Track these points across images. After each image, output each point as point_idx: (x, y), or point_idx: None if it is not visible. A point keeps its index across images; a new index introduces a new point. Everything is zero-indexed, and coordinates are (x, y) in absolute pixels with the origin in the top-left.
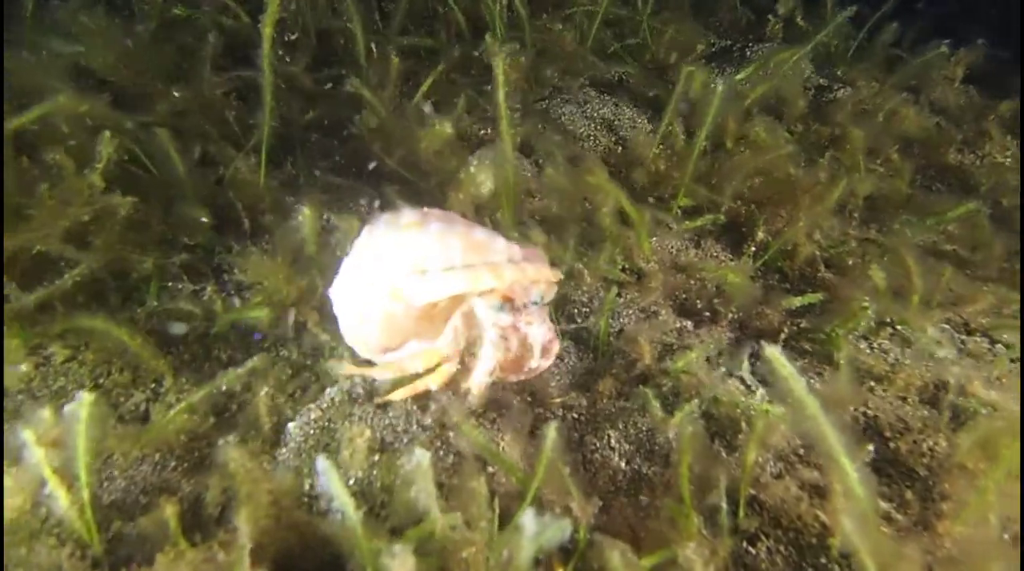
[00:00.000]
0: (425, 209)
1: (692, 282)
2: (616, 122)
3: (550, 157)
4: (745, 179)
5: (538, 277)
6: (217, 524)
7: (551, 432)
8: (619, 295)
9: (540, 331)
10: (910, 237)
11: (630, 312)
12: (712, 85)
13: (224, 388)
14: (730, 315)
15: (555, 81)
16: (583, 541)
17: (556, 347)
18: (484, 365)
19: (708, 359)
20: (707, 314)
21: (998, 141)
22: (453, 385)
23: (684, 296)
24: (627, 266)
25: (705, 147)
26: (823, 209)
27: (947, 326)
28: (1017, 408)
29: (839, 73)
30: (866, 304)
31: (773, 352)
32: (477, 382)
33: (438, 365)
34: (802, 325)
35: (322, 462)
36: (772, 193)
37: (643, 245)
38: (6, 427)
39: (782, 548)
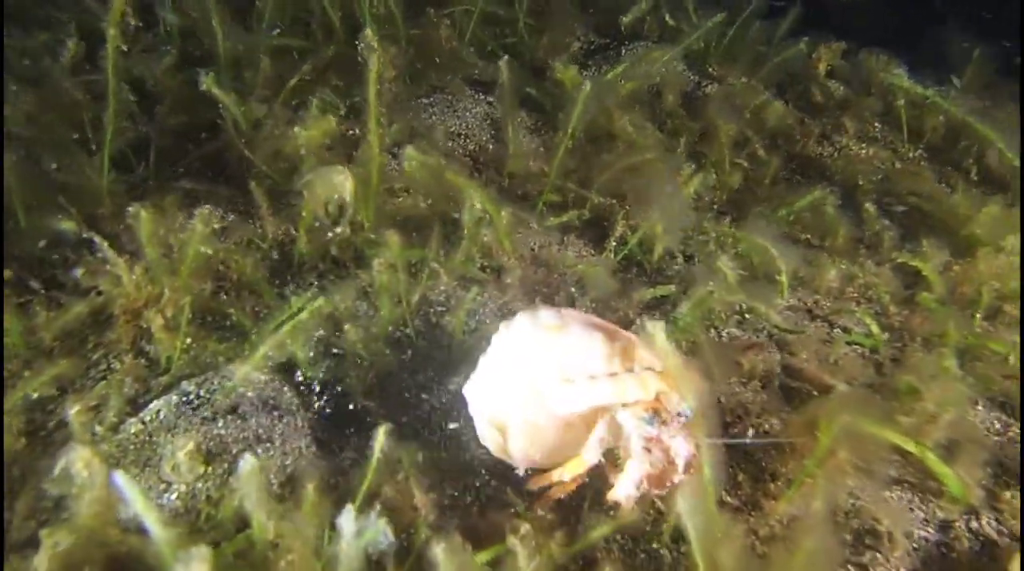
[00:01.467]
0: (563, 310)
1: (553, 277)
2: (490, 120)
3: (413, 155)
4: (610, 175)
5: (681, 388)
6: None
7: (380, 434)
8: (478, 294)
9: (684, 444)
10: (763, 227)
11: (487, 310)
12: (581, 83)
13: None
14: (584, 309)
15: (433, 80)
16: (420, 540)
17: (697, 461)
18: (632, 477)
19: None
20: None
21: (854, 133)
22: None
23: (544, 291)
24: (486, 264)
25: (574, 144)
26: (679, 203)
27: (791, 313)
28: (846, 389)
29: (710, 70)
30: (712, 291)
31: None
32: (624, 495)
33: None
34: (655, 317)
35: (118, 477)
36: (634, 188)
37: (503, 242)
38: None
39: (618, 536)
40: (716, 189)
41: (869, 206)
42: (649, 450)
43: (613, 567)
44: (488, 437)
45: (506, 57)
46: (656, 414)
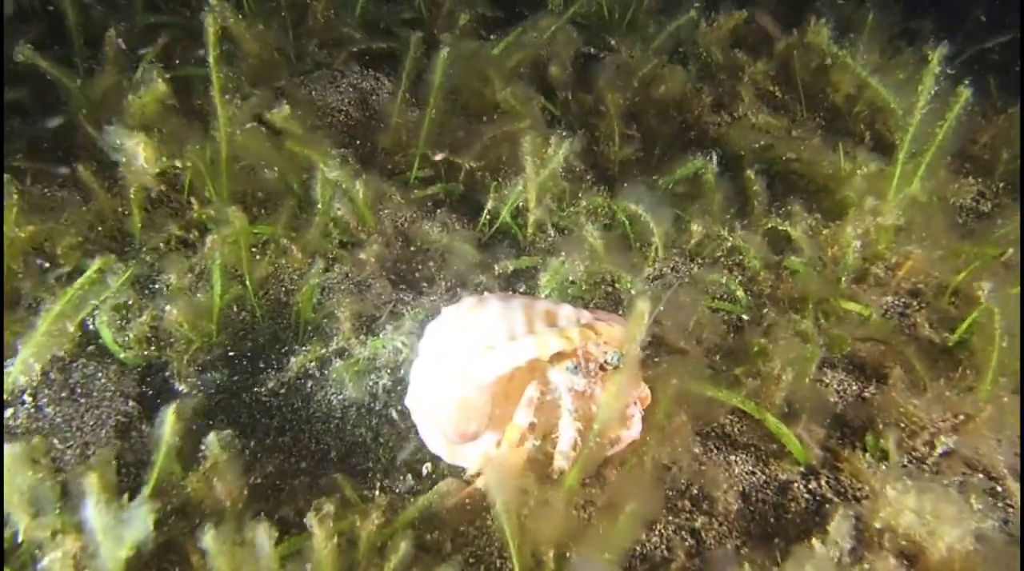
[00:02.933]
0: (485, 293)
1: (413, 252)
2: (374, 96)
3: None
4: (482, 145)
5: (610, 336)
6: None
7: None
8: (328, 269)
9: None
10: (639, 195)
11: (343, 287)
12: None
13: None
14: (445, 283)
15: (319, 56)
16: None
17: (637, 416)
18: (565, 437)
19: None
20: (424, 284)
21: (750, 102)
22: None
23: (404, 267)
24: (347, 240)
25: (446, 115)
26: (551, 173)
27: (659, 282)
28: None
29: (613, 42)
30: (564, 262)
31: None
32: (561, 458)
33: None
34: (520, 290)
35: None
36: (507, 159)
37: (364, 216)
38: None
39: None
40: (610, 159)
41: (750, 173)
42: (580, 407)
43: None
44: (434, 437)
45: (418, 34)
46: (583, 365)
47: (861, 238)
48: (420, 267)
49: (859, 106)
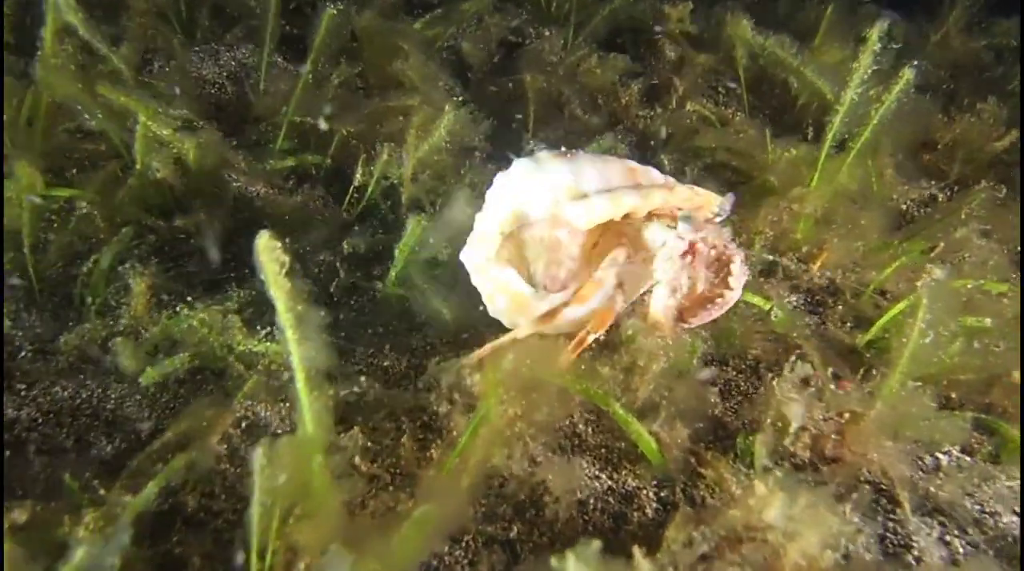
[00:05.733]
0: (563, 148)
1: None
2: (258, 71)
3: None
4: (360, 118)
5: (709, 198)
6: None
7: None
8: (140, 239)
9: (735, 248)
10: None
11: (155, 260)
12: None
13: None
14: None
15: (210, 30)
16: None
17: (740, 273)
18: (665, 284)
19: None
20: None
21: (685, 93)
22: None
23: (242, 241)
24: (171, 208)
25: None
26: (430, 148)
27: None
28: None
29: (547, 32)
30: (408, 242)
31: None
32: (662, 307)
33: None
34: (375, 273)
35: None
36: (387, 134)
37: (200, 183)
38: None
39: None
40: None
41: (664, 158)
42: (686, 266)
43: None
44: (498, 289)
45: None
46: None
47: (772, 227)
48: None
49: (803, 98)
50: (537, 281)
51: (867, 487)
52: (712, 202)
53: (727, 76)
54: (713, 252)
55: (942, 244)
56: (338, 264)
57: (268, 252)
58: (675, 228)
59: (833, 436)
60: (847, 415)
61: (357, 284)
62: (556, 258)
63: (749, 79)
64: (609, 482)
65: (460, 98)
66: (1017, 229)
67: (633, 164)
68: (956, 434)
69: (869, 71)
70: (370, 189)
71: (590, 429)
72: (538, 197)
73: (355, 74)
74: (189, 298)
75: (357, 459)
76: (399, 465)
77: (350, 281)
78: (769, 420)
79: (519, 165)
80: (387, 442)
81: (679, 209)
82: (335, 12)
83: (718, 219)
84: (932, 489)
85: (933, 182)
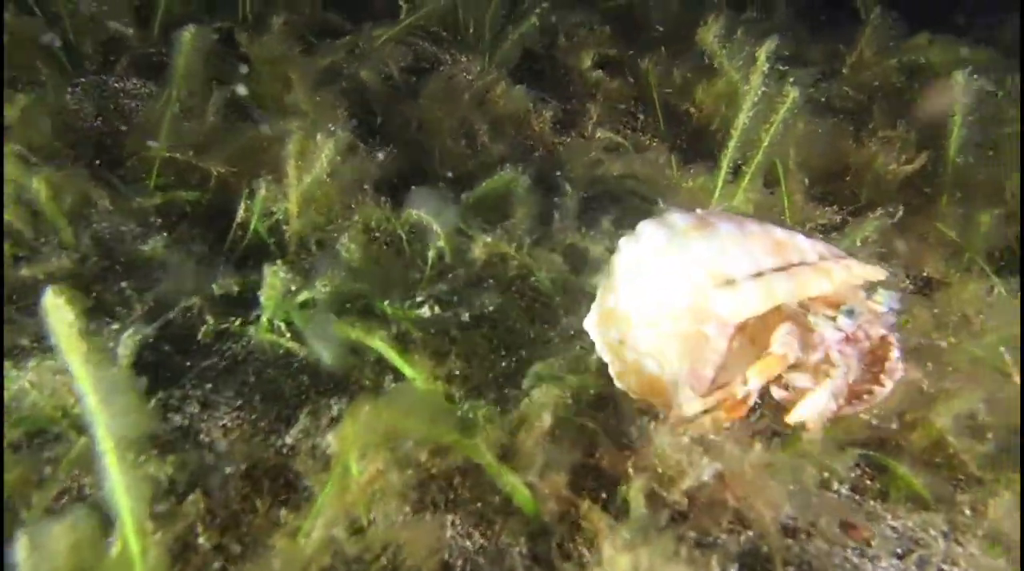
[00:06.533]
0: (698, 211)
1: (121, 271)
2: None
3: None
4: (240, 148)
5: (871, 274)
6: None
7: None
8: None
9: (891, 344)
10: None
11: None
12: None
13: None
14: (143, 307)
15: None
16: None
17: (899, 364)
18: (829, 387)
19: None
20: (119, 308)
21: (599, 119)
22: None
23: (100, 287)
24: (21, 254)
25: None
26: (315, 179)
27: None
28: None
29: (460, 58)
30: (278, 273)
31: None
32: (814, 411)
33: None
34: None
35: None
36: (263, 164)
37: (60, 229)
38: None
39: None
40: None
41: (568, 188)
42: (847, 354)
43: None
44: (631, 371)
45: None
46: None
47: None
48: (120, 287)
49: (716, 124)
50: (681, 380)
51: (748, 534)
52: (870, 274)
53: (643, 102)
54: (868, 344)
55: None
56: (206, 308)
57: (55, 311)
58: (835, 319)
59: (714, 481)
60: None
61: (229, 329)
62: (702, 357)
63: (664, 105)
64: (482, 540)
65: (353, 126)
66: (916, 253)
67: (778, 233)
68: (844, 472)
69: (759, 93)
70: (252, 226)
71: (468, 482)
72: (678, 283)
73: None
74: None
75: (199, 528)
76: (251, 532)
77: (221, 326)
78: (649, 466)
79: (650, 235)
80: (238, 506)
81: (838, 301)
82: (192, 33)
83: (883, 310)
84: (809, 535)
85: (845, 207)
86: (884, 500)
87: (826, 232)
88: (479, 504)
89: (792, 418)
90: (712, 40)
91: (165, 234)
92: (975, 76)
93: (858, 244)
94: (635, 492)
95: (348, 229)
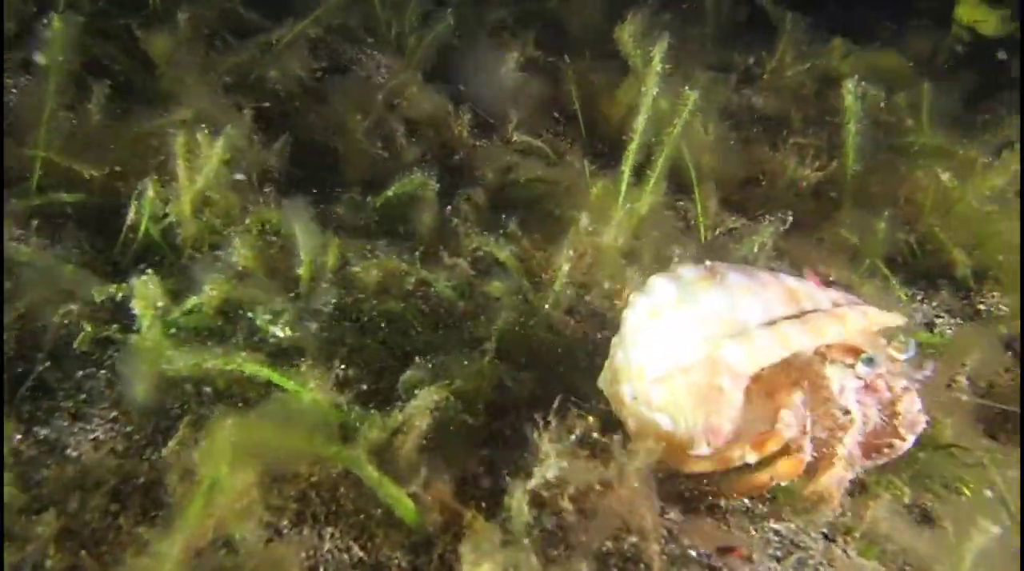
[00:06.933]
0: (707, 262)
1: None
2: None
3: None
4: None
5: (889, 321)
6: None
7: None
8: None
9: (912, 395)
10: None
11: None
12: None
13: None
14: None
15: None
16: None
17: (920, 417)
18: (848, 446)
19: None
20: None
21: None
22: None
23: None
24: None
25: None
26: (205, 182)
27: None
28: None
29: (376, 57)
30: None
31: None
32: (837, 480)
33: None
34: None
35: None
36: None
37: None
38: None
39: None
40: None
41: (469, 193)
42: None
43: None
44: (646, 429)
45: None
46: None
47: (574, 261)
48: None
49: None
50: (697, 434)
51: (631, 540)
52: (889, 321)
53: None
54: (889, 395)
55: None
56: (86, 315)
57: None
58: (853, 367)
59: (598, 487)
60: (612, 464)
61: (111, 337)
62: (718, 409)
63: (587, 109)
64: (361, 553)
65: (257, 127)
66: (812, 254)
67: (790, 281)
68: None
69: (654, 94)
70: (142, 228)
71: (352, 493)
72: (690, 335)
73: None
74: None
75: (50, 549)
76: (111, 551)
77: (101, 334)
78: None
79: (661, 289)
80: (98, 524)
81: (855, 347)
82: (61, 21)
83: (903, 358)
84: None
85: (758, 213)
86: (772, 503)
87: (737, 239)
88: (361, 516)
89: (811, 491)
90: (628, 39)
91: (43, 238)
92: (863, 83)
93: (755, 250)
94: (517, 500)
95: (241, 233)
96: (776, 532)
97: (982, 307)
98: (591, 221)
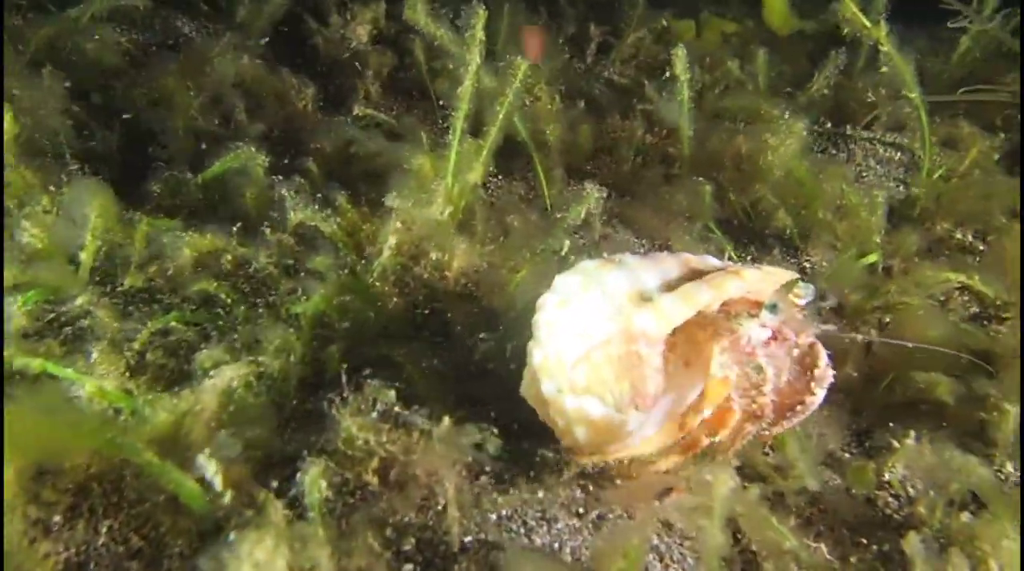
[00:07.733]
0: (605, 255)
1: None
2: None
3: None
4: None
5: (783, 276)
6: None
7: None
8: None
9: (819, 347)
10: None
11: None
12: None
13: None
14: None
15: None
16: None
17: (828, 373)
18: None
19: None
20: None
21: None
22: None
23: None
24: None
25: None
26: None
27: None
28: None
29: (212, 30)
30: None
31: None
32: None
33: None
34: None
35: None
36: None
37: None
38: None
39: None
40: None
41: (310, 165)
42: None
43: None
44: (576, 421)
45: None
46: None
47: (405, 235)
48: None
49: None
50: (625, 403)
51: (437, 509)
52: (783, 275)
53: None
54: (797, 350)
55: (567, 242)
56: None
57: None
58: (757, 316)
59: (402, 458)
60: (416, 434)
61: None
62: (640, 374)
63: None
64: (140, 543)
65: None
66: (651, 219)
67: (686, 255)
68: None
69: (478, 62)
70: None
71: (136, 483)
72: (600, 312)
73: None
74: None
75: None
76: None
77: None
78: (335, 447)
79: (565, 282)
80: None
81: (757, 301)
82: None
83: (803, 303)
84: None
85: (608, 182)
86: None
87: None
88: (147, 504)
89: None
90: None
91: None
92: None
93: (582, 216)
94: (311, 476)
95: (32, 214)
96: (582, 488)
97: (807, 265)
98: (415, 194)
